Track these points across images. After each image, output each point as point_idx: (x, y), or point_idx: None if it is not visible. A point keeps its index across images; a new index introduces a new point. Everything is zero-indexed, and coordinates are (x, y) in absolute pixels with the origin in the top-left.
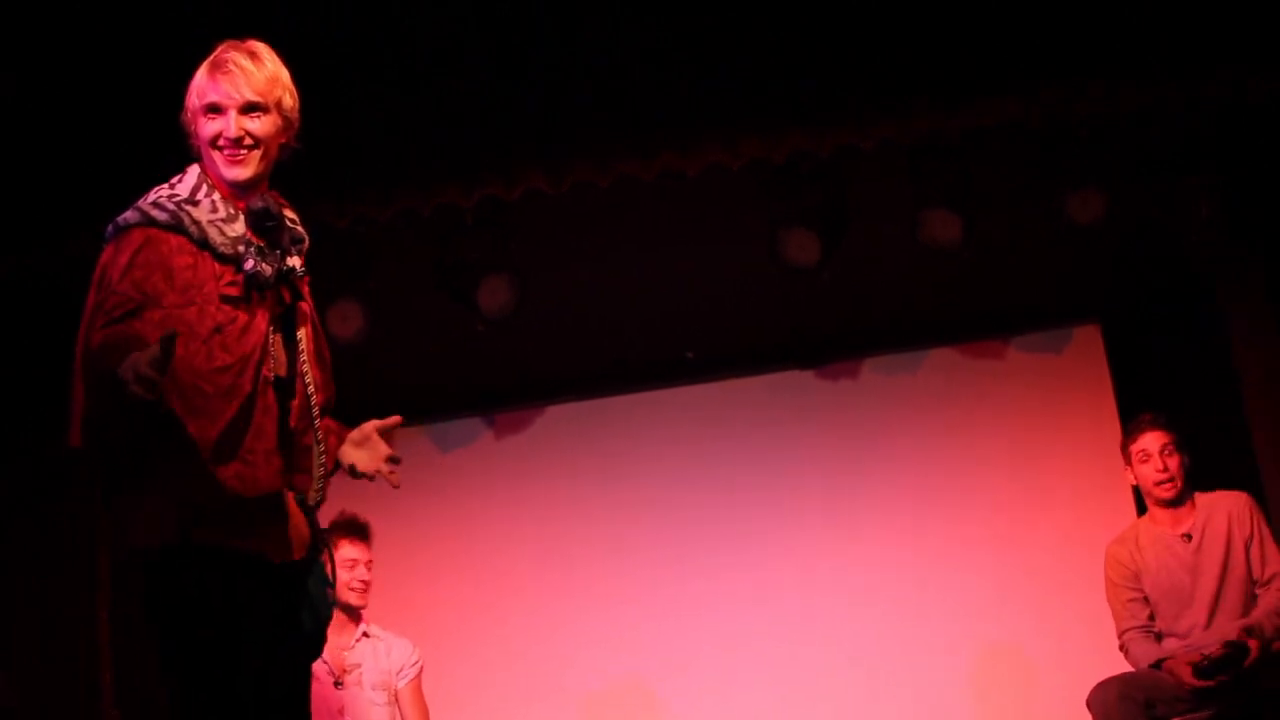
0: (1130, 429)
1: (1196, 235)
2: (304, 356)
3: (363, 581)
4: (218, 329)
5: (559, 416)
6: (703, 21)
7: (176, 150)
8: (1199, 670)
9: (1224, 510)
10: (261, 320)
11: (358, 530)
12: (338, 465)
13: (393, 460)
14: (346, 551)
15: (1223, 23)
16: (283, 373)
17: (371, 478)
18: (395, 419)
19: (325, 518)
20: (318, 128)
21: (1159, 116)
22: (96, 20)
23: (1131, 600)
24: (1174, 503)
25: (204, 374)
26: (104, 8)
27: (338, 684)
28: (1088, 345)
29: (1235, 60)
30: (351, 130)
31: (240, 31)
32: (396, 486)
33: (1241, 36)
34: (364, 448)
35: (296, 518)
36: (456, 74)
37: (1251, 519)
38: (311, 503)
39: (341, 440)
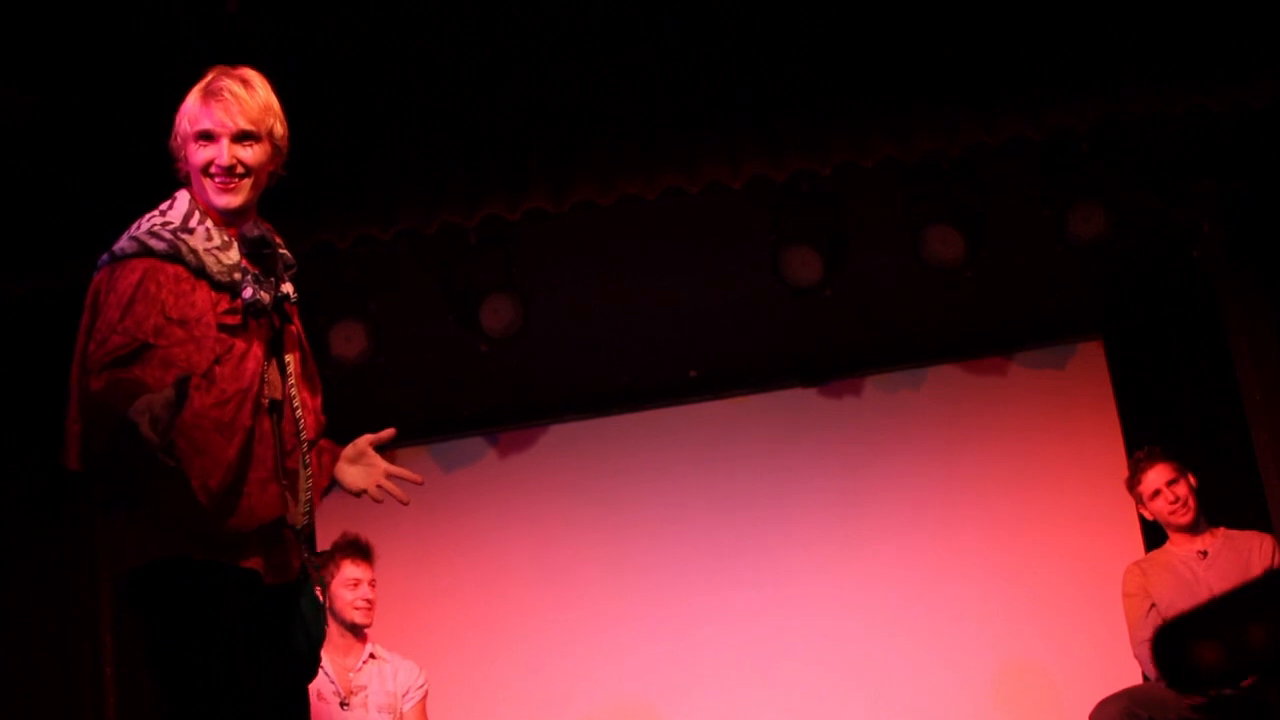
0: (1133, 469)
1: (1198, 249)
2: (292, 380)
3: (366, 600)
4: (217, 361)
5: (562, 435)
6: (704, 41)
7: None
8: None
9: (1248, 542)
10: (258, 347)
11: (360, 550)
12: (334, 483)
13: (390, 476)
14: (350, 571)
15: (1222, 35)
16: (277, 395)
17: (371, 494)
18: (389, 432)
19: (328, 537)
20: (320, 148)
21: (1160, 130)
22: (108, 43)
23: (1145, 611)
24: (1193, 526)
25: (204, 412)
26: (116, 32)
27: (344, 704)
28: (1090, 360)
29: (1237, 73)
30: (353, 150)
31: (245, 52)
32: (405, 503)
33: (1242, 49)
34: (359, 464)
35: (288, 543)
36: (458, 94)
37: (1274, 556)
38: (298, 525)
39: (335, 458)
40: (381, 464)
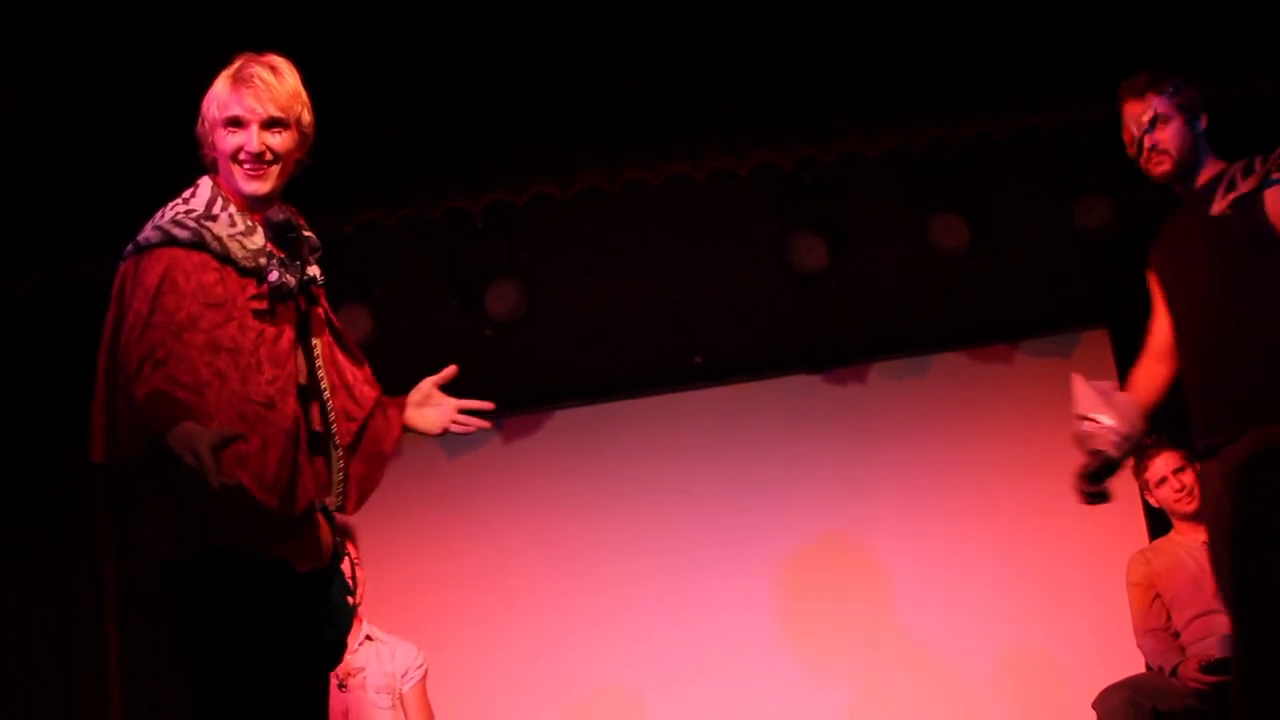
0: (1140, 455)
1: None
2: (320, 363)
3: (351, 580)
4: (258, 344)
5: (567, 421)
6: (710, 28)
7: (193, 169)
8: (1206, 667)
9: None
10: (289, 331)
11: (342, 531)
12: (404, 433)
13: (462, 410)
14: None
15: (1224, 26)
16: (304, 380)
17: (451, 430)
18: (450, 370)
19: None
20: (326, 133)
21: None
22: (107, 43)
23: (1150, 601)
24: (1198, 515)
25: (253, 395)
26: (116, 32)
27: (341, 686)
28: (1095, 349)
29: (1239, 63)
30: (359, 135)
31: (250, 39)
32: (489, 427)
33: (1244, 39)
34: (428, 406)
35: (321, 526)
36: (464, 79)
37: None
38: (332, 507)
39: (402, 408)
40: (451, 400)
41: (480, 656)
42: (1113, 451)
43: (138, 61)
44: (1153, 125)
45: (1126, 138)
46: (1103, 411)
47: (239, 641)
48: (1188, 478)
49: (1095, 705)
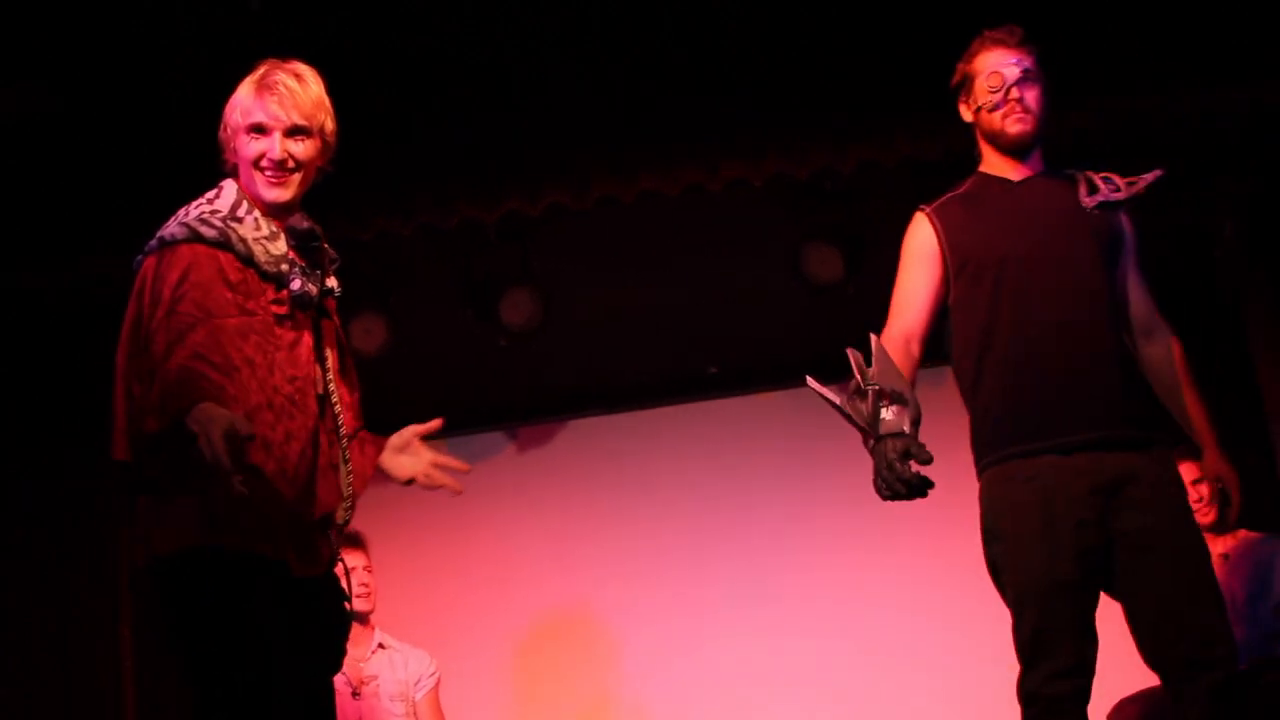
0: None
1: (1220, 250)
2: (331, 374)
3: (363, 585)
4: (279, 345)
5: (581, 431)
6: (725, 36)
7: (202, 172)
8: None
9: (1269, 546)
10: (307, 337)
11: (347, 539)
12: (377, 473)
13: (437, 465)
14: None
15: (1224, 27)
16: (319, 389)
17: (420, 482)
18: (436, 422)
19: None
20: (341, 140)
21: (1179, 129)
22: (116, 41)
23: None
24: (1214, 527)
25: (281, 386)
26: (128, 32)
27: (355, 695)
28: None
29: (1256, 69)
30: (374, 144)
31: (264, 45)
32: (458, 491)
33: (1245, 40)
34: (406, 453)
35: (319, 532)
36: (479, 88)
37: None
38: (340, 521)
39: (380, 448)
40: (428, 453)
41: (492, 665)
42: (910, 428)
43: (140, 62)
44: (1025, 78)
45: (994, 83)
46: (896, 385)
47: (241, 641)
48: (1205, 489)
49: (1109, 718)
